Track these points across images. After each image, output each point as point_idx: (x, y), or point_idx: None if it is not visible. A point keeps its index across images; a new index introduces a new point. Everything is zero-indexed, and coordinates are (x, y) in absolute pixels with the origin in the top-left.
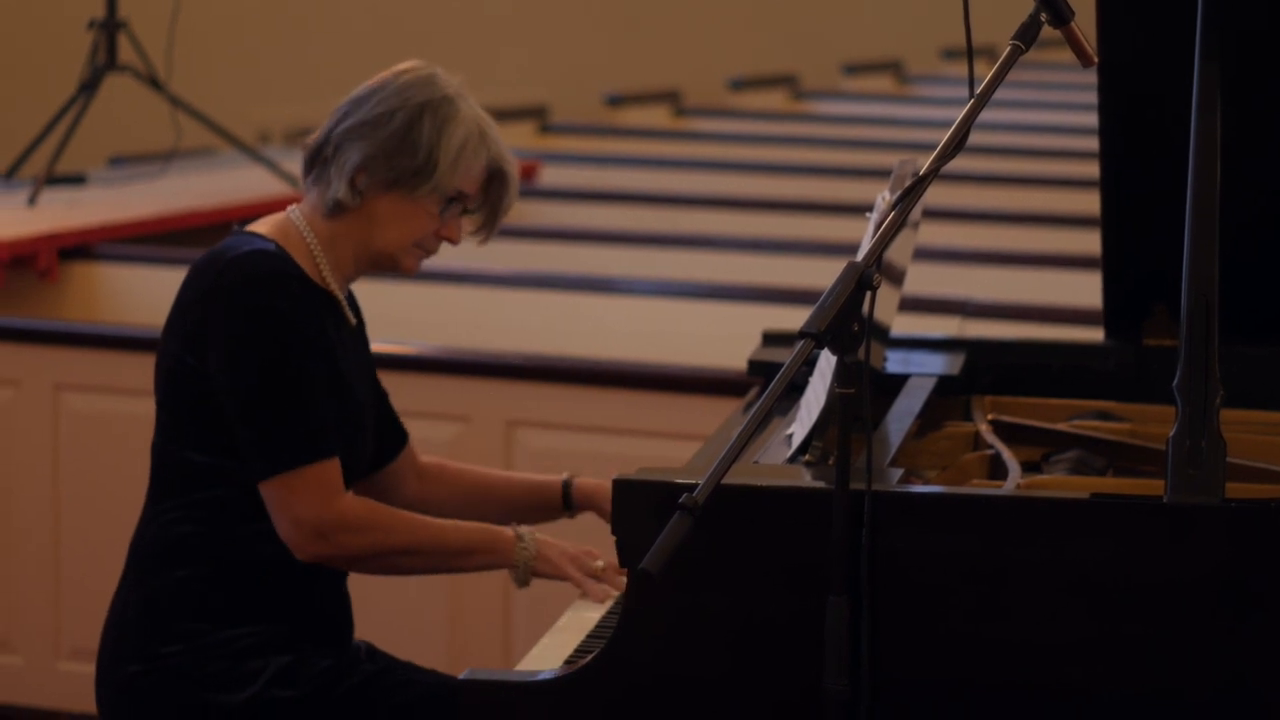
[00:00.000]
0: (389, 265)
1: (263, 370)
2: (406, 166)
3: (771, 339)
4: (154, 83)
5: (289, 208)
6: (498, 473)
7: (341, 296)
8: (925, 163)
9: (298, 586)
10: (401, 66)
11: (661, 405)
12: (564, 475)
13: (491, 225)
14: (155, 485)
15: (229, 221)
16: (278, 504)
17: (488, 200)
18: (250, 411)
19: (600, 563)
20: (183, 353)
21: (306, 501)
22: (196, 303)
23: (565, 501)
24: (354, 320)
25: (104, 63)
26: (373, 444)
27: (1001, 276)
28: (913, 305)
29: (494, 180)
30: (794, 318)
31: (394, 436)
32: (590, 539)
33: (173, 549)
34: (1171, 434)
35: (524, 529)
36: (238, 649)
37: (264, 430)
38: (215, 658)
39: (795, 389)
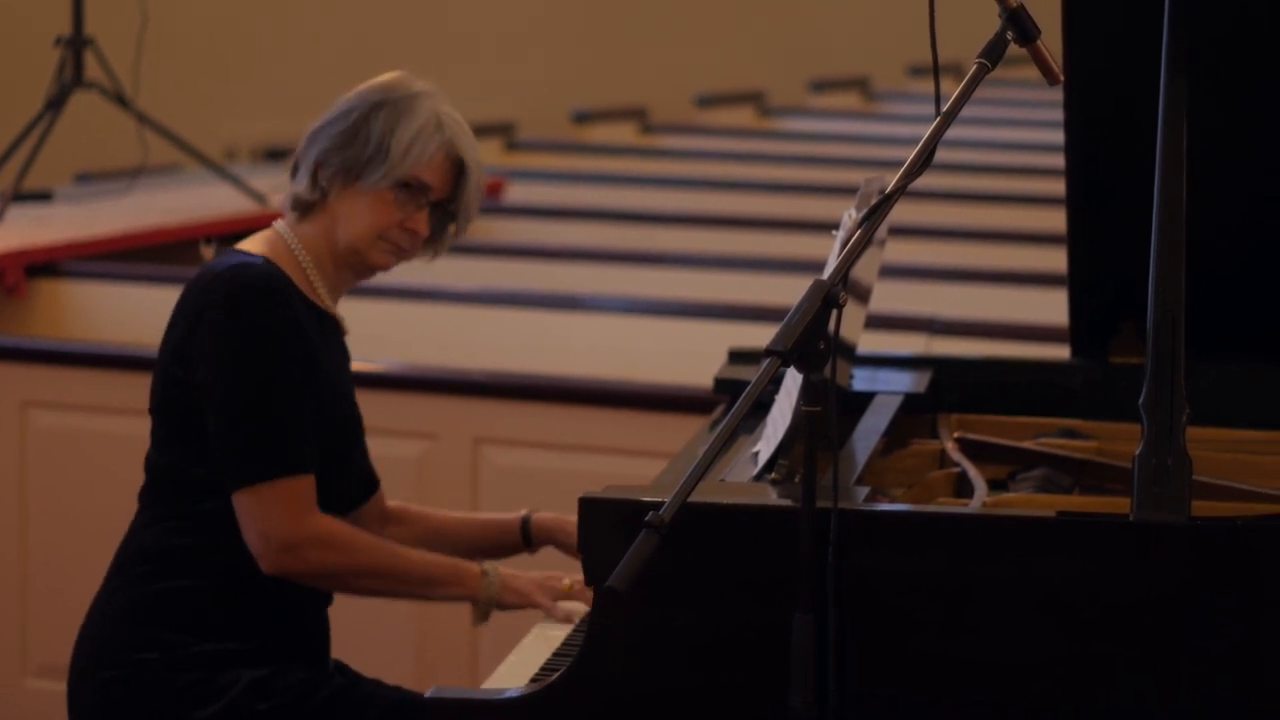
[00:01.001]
0: (361, 265)
1: (243, 382)
2: (359, 156)
3: (738, 356)
4: (120, 100)
5: (274, 223)
6: (458, 514)
7: (334, 309)
8: (891, 180)
9: (282, 605)
10: (381, 76)
11: (628, 423)
12: (522, 512)
13: (456, 223)
14: (147, 495)
15: (196, 238)
16: (248, 515)
17: (457, 195)
18: (228, 422)
19: (567, 581)
20: (172, 365)
21: (277, 515)
22: (184, 316)
23: (525, 538)
24: (345, 331)
25: (71, 79)
26: (364, 464)
27: (968, 294)
28: (879, 323)
29: (460, 175)
30: (760, 335)
31: (367, 481)
32: (551, 569)
33: (162, 558)
34: (1138, 452)
35: (489, 564)
36: (214, 661)
37: (240, 441)
38: (191, 668)
39: (761, 407)
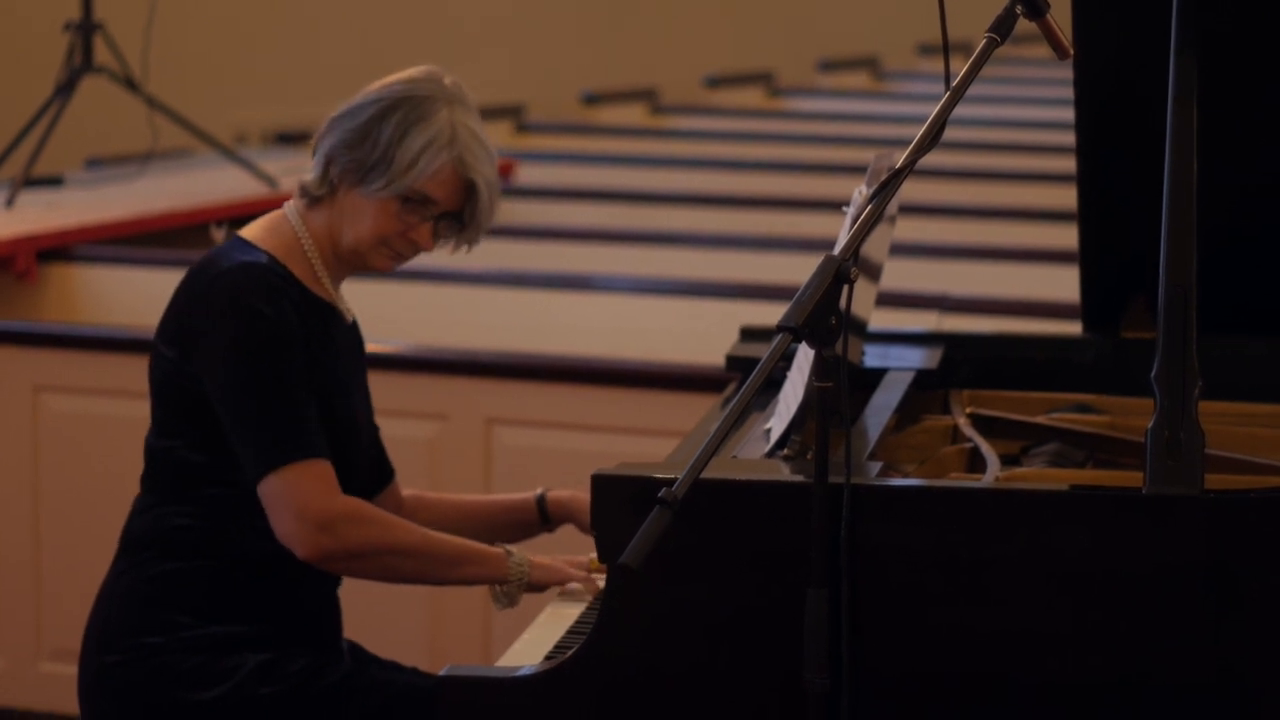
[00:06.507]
0: (360, 264)
1: (252, 376)
2: (364, 160)
3: (749, 334)
4: (130, 84)
5: (285, 204)
6: (474, 497)
7: (337, 299)
8: (901, 157)
9: (287, 587)
10: (411, 70)
11: (640, 402)
12: (537, 490)
13: (465, 237)
14: (150, 478)
15: (206, 222)
16: (279, 500)
17: (466, 211)
18: (243, 418)
19: (593, 555)
20: (169, 351)
21: (309, 494)
22: (185, 309)
23: (542, 516)
24: (350, 319)
25: (80, 64)
26: (369, 455)
27: (979, 271)
28: (891, 300)
29: (470, 192)
30: (771, 313)
31: (381, 472)
32: (569, 549)
33: (165, 541)
34: (1150, 425)
35: (512, 548)
36: (219, 644)
37: (261, 431)
38: (195, 651)
39: (773, 384)
